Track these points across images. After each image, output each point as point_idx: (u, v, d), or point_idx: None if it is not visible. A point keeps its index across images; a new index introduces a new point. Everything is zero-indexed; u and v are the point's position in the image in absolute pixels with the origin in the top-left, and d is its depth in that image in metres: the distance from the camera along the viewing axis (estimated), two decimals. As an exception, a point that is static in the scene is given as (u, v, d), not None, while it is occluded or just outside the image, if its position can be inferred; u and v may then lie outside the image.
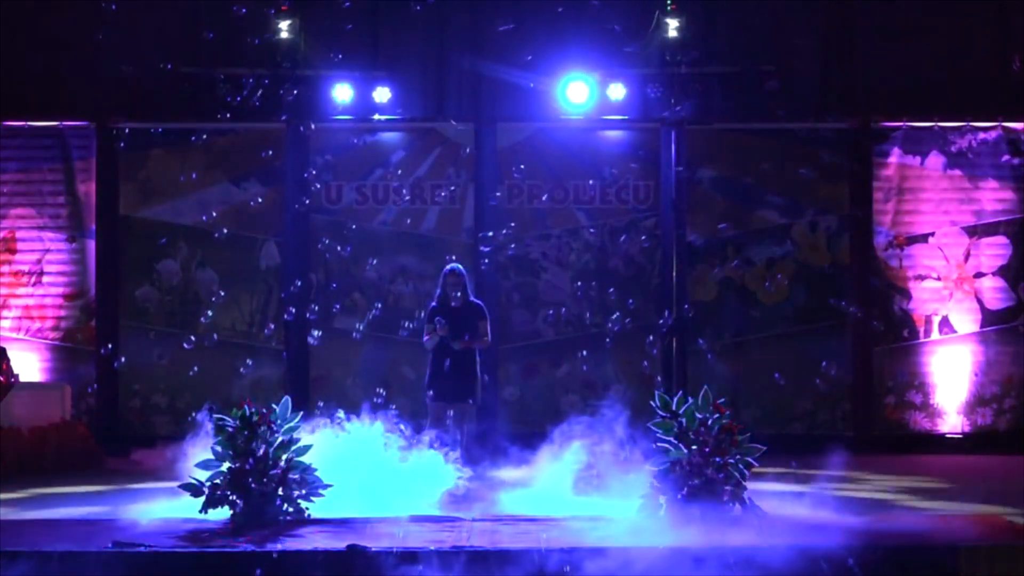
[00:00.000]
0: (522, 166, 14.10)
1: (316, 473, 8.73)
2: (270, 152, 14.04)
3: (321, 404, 10.07)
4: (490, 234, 13.53)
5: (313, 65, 13.86)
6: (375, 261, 13.97)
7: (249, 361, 13.75)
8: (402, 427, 9.52)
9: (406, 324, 13.68)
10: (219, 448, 8.61)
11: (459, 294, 10.55)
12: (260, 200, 13.98)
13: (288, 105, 13.91)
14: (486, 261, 13.55)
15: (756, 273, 14.12)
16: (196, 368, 13.51)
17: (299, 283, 13.57)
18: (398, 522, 8.44)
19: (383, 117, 13.95)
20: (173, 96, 13.71)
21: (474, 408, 10.57)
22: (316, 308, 13.82)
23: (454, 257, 12.70)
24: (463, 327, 10.39)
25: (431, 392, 10.49)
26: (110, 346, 13.58)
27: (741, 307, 14.10)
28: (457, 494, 9.46)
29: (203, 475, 8.62)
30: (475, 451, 10.34)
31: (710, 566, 7.56)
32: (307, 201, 13.80)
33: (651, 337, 13.95)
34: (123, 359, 13.64)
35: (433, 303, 10.66)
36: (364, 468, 9.06)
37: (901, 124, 14.13)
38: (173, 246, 14.06)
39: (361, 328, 13.76)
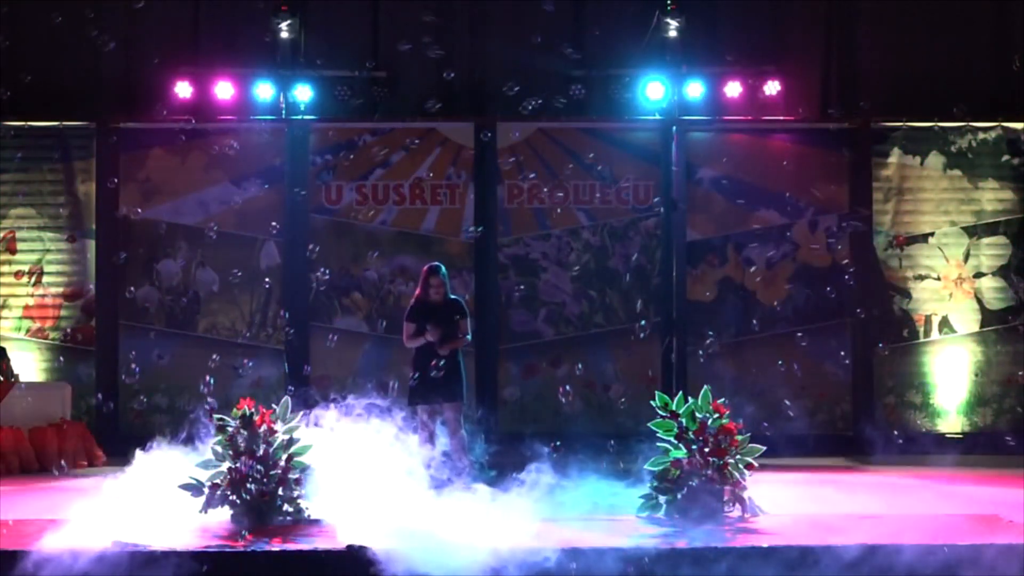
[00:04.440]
0: (522, 166, 14.12)
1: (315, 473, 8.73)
2: (270, 152, 14.06)
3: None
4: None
5: (313, 65, 13.87)
6: (375, 258, 13.99)
7: (249, 361, 13.76)
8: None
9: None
10: (219, 448, 8.61)
11: (440, 292, 10.47)
12: (260, 200, 14.00)
13: (288, 105, 13.94)
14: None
15: (756, 273, 14.13)
16: (196, 368, 13.51)
17: (299, 283, 13.58)
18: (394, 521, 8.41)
19: (383, 117, 13.96)
20: (173, 96, 13.72)
21: (461, 408, 10.48)
22: (316, 308, 13.83)
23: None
24: (443, 325, 10.34)
25: (415, 396, 10.33)
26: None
27: (741, 307, 14.11)
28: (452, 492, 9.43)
29: (203, 475, 8.62)
30: (466, 454, 10.27)
31: (710, 567, 7.57)
32: (304, 193, 13.81)
33: (651, 337, 13.95)
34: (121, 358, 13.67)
35: (412, 302, 10.63)
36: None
37: (901, 124, 14.13)
38: (173, 246, 14.07)
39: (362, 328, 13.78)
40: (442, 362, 10.18)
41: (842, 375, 13.99)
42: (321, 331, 13.92)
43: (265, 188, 14.06)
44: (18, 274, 14.05)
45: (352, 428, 9.04)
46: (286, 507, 8.61)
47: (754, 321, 14.01)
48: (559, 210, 14.01)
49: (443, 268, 10.60)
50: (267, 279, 13.89)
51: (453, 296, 10.73)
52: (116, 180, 13.86)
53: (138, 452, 9.16)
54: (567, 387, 13.24)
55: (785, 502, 9.59)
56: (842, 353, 13.87)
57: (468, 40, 14.16)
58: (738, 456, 8.85)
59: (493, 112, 14.03)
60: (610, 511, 9.07)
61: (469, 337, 10.62)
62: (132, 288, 13.65)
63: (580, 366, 13.70)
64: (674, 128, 14.07)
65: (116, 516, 8.33)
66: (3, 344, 13.37)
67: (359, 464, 8.78)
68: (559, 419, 13.91)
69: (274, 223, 13.62)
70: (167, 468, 8.88)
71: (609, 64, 13.93)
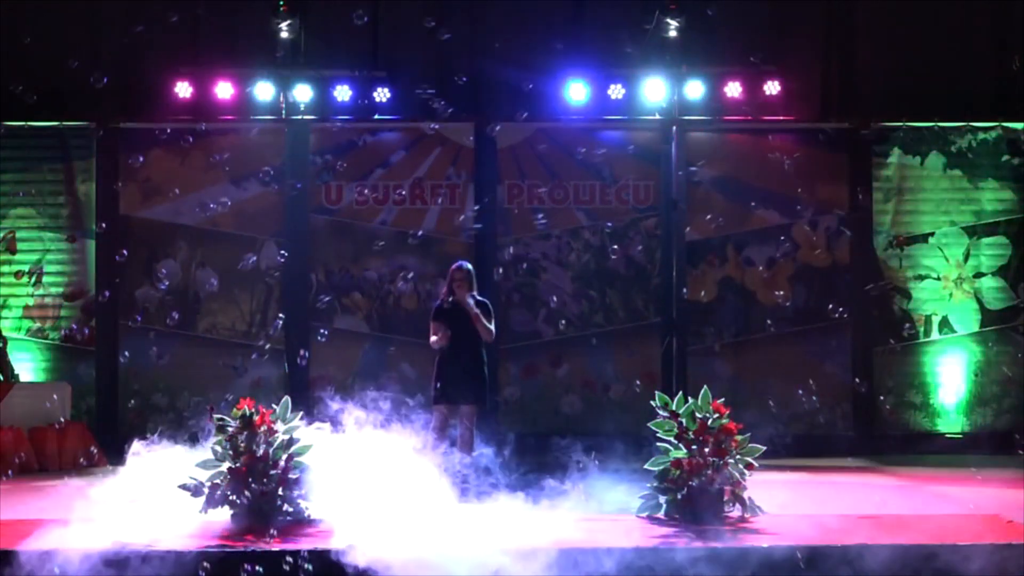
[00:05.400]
0: (522, 166, 14.14)
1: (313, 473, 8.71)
2: (270, 152, 14.06)
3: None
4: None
5: (313, 65, 13.88)
6: (375, 261, 14.02)
7: (249, 361, 13.76)
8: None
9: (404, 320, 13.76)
10: (219, 448, 8.60)
11: (463, 288, 10.37)
12: (260, 200, 14.00)
13: (289, 105, 13.94)
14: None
15: (756, 273, 14.14)
16: (196, 368, 13.51)
17: (299, 283, 13.60)
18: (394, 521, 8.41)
19: (383, 117, 13.97)
20: (173, 96, 13.72)
21: (477, 411, 10.41)
22: (316, 308, 13.85)
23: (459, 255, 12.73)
24: (468, 324, 10.28)
25: (437, 394, 10.28)
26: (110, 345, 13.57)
27: (741, 307, 14.11)
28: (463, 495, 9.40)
29: (203, 475, 8.61)
30: (477, 454, 10.23)
31: (710, 567, 7.57)
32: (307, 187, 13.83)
33: (651, 337, 13.97)
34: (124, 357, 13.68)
35: (438, 301, 10.54)
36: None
37: (901, 124, 14.13)
38: (173, 246, 14.07)
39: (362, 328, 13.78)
40: (458, 362, 10.10)
41: (842, 375, 13.99)
42: (321, 331, 13.91)
43: (265, 188, 14.06)
44: (18, 274, 14.06)
45: (369, 428, 9.02)
46: (286, 507, 8.60)
47: (754, 321, 14.04)
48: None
49: (466, 264, 10.51)
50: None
51: (479, 297, 10.62)
52: (116, 180, 13.90)
53: (136, 443, 9.12)
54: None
55: (785, 502, 9.58)
56: (842, 353, 13.88)
57: (468, 40, 14.15)
58: (738, 456, 8.84)
59: (493, 112, 14.03)
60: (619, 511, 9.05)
61: (492, 328, 10.38)
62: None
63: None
64: (674, 128, 14.08)
65: (116, 516, 8.33)
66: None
67: (374, 466, 8.76)
68: (559, 419, 13.92)
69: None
70: (166, 467, 8.87)
71: (609, 64, 13.93)
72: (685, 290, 13.87)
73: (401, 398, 9.51)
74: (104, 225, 13.84)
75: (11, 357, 13.20)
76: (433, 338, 10.27)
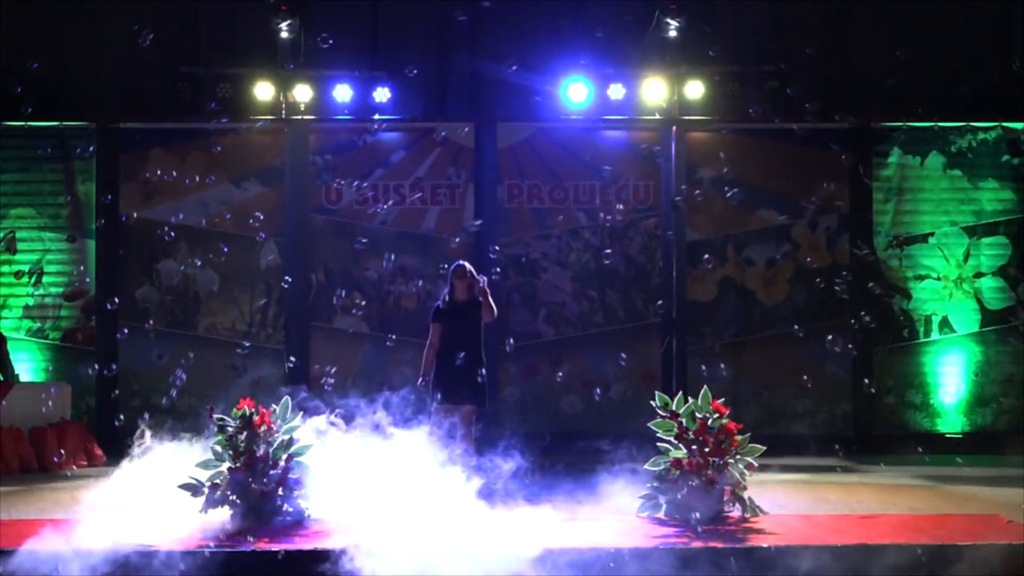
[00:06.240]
0: (522, 166, 14.14)
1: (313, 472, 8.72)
2: (270, 152, 14.07)
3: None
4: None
5: (313, 65, 13.88)
6: (376, 260, 14.01)
7: (249, 361, 13.76)
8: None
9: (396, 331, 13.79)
10: (219, 448, 8.60)
11: (466, 291, 10.33)
12: (260, 200, 14.00)
13: (288, 105, 13.94)
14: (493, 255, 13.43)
15: (756, 273, 14.14)
16: (196, 368, 13.52)
17: (298, 282, 13.59)
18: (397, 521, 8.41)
19: (383, 117, 13.96)
20: (173, 96, 13.73)
21: (479, 411, 10.39)
22: (316, 308, 13.85)
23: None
24: (469, 323, 10.27)
25: (437, 394, 10.26)
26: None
27: (741, 307, 14.11)
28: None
29: (203, 475, 8.61)
30: (477, 454, 10.22)
31: (711, 567, 7.57)
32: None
33: (651, 337, 13.97)
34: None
35: (438, 302, 10.51)
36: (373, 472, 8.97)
37: (901, 124, 14.13)
38: (173, 246, 14.07)
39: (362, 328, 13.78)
40: (459, 362, 10.10)
41: (842, 375, 13.99)
42: (321, 331, 13.93)
43: (265, 188, 14.07)
44: (18, 274, 14.06)
45: (372, 428, 9.03)
46: (286, 507, 8.61)
47: (754, 321, 14.03)
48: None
49: (468, 263, 10.45)
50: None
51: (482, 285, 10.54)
52: (116, 180, 13.90)
53: (142, 427, 9.11)
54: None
55: (785, 502, 9.59)
56: (842, 353, 13.88)
57: (468, 40, 14.15)
58: (738, 456, 8.84)
59: (493, 112, 14.03)
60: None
61: (493, 304, 10.40)
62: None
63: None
64: (674, 128, 14.09)
65: (116, 516, 8.33)
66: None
67: (377, 466, 8.77)
68: (559, 419, 13.92)
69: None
70: (166, 467, 8.86)
71: (609, 64, 13.93)
72: (678, 286, 13.87)
73: (404, 397, 9.50)
74: (104, 225, 13.85)
75: (11, 357, 13.19)
76: (420, 380, 10.26)
